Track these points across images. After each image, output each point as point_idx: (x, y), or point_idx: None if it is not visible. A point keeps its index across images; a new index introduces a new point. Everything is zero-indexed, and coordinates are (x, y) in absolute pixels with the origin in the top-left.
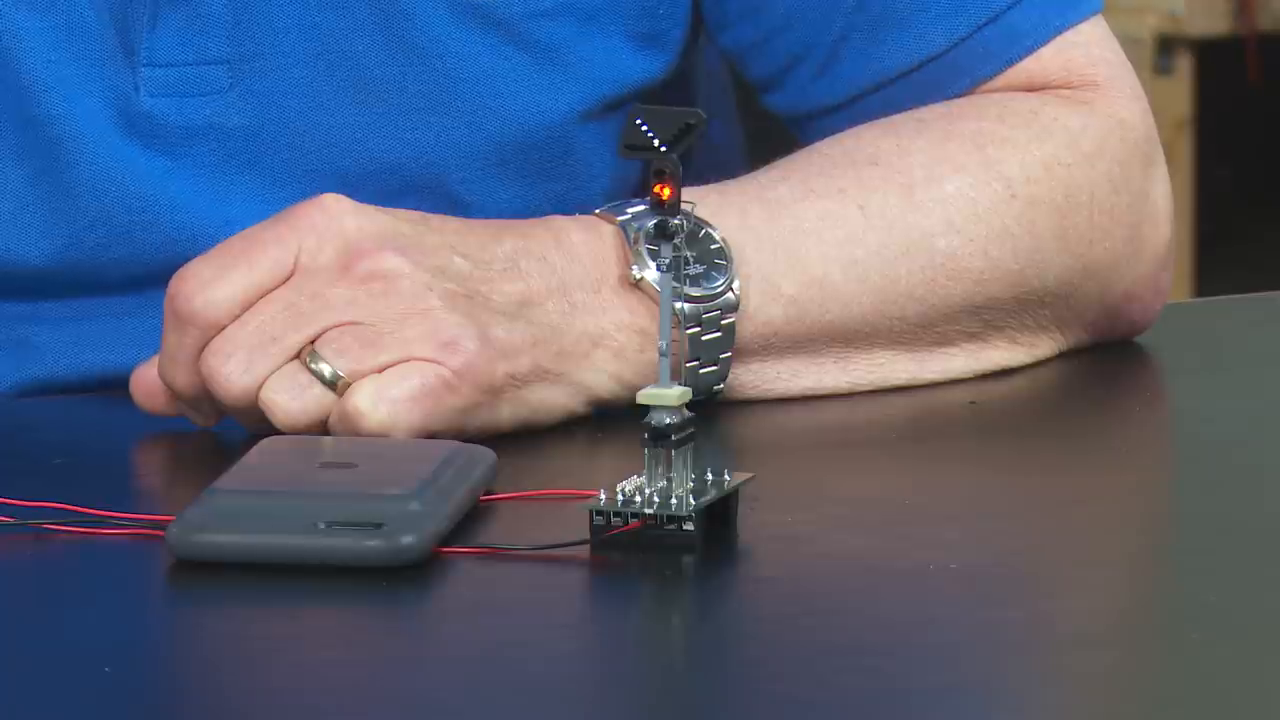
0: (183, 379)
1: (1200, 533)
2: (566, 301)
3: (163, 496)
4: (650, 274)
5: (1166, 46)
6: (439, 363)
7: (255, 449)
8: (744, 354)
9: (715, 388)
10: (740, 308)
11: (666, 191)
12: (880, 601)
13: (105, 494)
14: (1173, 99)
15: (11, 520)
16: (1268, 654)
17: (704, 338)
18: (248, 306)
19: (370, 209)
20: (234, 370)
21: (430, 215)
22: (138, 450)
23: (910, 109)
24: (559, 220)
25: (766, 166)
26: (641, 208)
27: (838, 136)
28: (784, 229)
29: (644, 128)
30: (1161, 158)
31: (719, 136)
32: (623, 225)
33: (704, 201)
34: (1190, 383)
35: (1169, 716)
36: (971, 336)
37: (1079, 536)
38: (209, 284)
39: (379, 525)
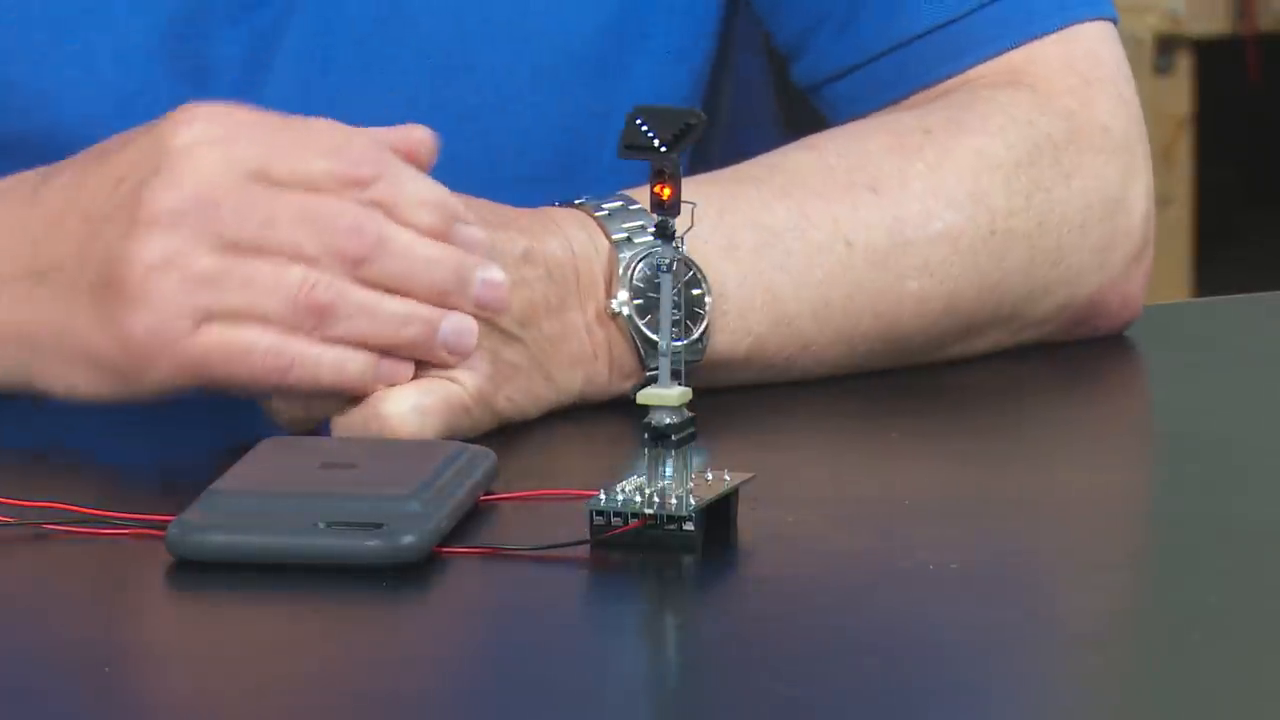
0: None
1: (1200, 533)
2: (560, 321)
3: (163, 496)
4: (625, 310)
5: (1166, 46)
6: (458, 383)
7: (255, 449)
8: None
9: None
10: (708, 347)
11: (666, 191)
12: (880, 601)
13: (105, 494)
14: (1173, 99)
15: (11, 520)
16: (1268, 654)
17: None
18: None
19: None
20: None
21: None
22: (138, 450)
23: (922, 77)
24: (562, 220)
25: (776, 160)
26: (636, 223)
27: (847, 137)
28: (768, 264)
29: (644, 128)
30: (1142, 162)
31: (757, 145)
32: (617, 246)
33: (698, 220)
34: (1190, 383)
35: (1169, 717)
36: (918, 357)
37: (1079, 536)
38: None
39: (379, 525)
